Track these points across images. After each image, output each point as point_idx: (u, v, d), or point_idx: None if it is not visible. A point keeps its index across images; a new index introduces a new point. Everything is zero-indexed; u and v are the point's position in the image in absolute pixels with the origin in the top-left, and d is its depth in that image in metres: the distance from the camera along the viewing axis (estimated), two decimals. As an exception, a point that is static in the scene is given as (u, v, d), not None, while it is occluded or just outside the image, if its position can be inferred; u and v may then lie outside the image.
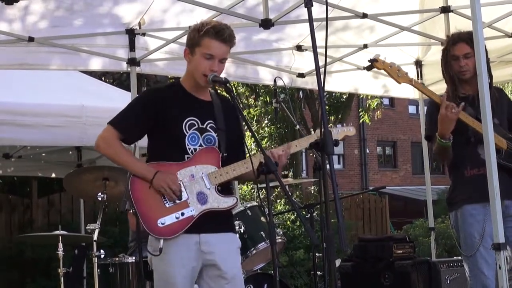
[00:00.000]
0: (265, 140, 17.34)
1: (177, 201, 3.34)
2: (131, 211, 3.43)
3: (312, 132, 4.57)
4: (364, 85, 7.46)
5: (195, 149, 3.42)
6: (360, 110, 20.69)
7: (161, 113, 3.42)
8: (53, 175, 8.95)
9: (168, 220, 3.32)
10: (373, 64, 3.92)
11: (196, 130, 3.43)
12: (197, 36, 3.40)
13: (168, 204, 3.34)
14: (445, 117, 3.91)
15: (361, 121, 20.03)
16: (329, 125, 3.63)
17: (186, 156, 3.41)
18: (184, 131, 3.41)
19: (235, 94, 4.55)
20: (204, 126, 3.46)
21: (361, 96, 18.76)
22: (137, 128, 3.49)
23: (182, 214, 3.33)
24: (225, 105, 3.53)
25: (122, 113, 3.52)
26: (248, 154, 3.31)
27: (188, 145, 3.41)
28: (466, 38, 4.07)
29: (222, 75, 3.45)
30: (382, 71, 4.00)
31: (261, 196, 6.99)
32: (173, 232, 3.32)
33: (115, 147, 3.44)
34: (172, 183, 3.32)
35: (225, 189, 3.46)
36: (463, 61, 4.13)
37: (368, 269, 6.54)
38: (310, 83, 7.09)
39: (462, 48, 4.13)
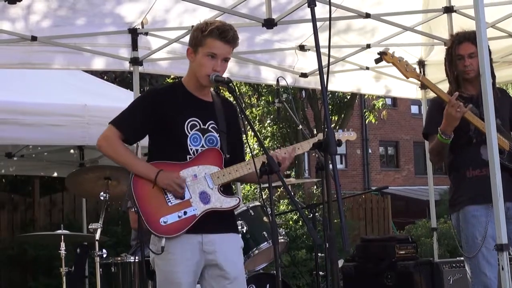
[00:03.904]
0: (268, 140, 17.32)
1: (180, 200, 3.33)
2: (133, 210, 3.41)
3: (315, 131, 4.56)
4: (366, 85, 7.44)
5: (197, 150, 3.41)
6: (364, 110, 20.63)
7: (162, 114, 3.41)
8: (55, 174, 8.96)
9: (171, 218, 3.31)
10: (382, 57, 3.90)
11: (198, 130, 3.43)
12: (200, 36, 3.38)
13: (171, 203, 3.33)
14: (449, 114, 3.91)
15: (367, 121, 19.96)
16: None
17: (188, 156, 3.40)
18: (186, 132, 3.40)
19: (238, 93, 4.53)
20: (206, 127, 3.45)
21: (366, 96, 18.69)
22: (138, 128, 3.49)
23: (185, 213, 3.32)
24: (226, 106, 3.52)
25: (123, 113, 3.51)
26: (250, 154, 3.29)
27: (190, 146, 3.40)
28: (472, 37, 4.04)
29: (225, 75, 3.45)
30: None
31: (264, 196, 6.98)
32: (176, 230, 3.30)
33: (116, 147, 3.43)
34: (176, 179, 3.32)
35: (226, 189, 3.46)
36: (468, 60, 4.12)
37: (370, 270, 6.53)
38: (312, 83, 7.08)
39: (467, 47, 4.12)
